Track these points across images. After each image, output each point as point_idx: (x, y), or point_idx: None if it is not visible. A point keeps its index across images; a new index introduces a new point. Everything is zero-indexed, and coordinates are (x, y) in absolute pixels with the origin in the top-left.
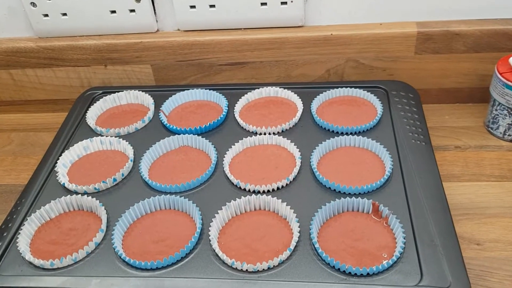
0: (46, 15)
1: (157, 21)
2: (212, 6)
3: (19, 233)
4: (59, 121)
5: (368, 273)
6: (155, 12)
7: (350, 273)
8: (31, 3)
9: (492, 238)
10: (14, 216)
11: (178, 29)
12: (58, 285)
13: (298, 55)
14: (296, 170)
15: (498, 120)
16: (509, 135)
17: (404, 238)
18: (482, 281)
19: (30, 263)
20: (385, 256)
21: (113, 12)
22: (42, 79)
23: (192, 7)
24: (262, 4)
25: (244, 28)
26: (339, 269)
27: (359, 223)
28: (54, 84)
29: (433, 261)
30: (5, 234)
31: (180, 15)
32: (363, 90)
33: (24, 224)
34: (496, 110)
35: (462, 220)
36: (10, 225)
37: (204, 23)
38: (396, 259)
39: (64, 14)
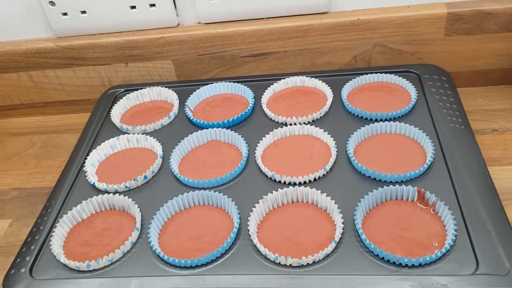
0: (65, 14)
1: (177, 15)
2: None
3: (52, 235)
4: (81, 122)
5: (420, 264)
6: (175, 6)
7: (401, 264)
8: (49, 2)
9: None
10: (45, 219)
11: (199, 22)
12: (96, 287)
13: (324, 43)
14: (332, 160)
15: None
16: None
17: (455, 225)
18: None
19: (65, 265)
20: (436, 245)
21: (133, 7)
22: (63, 80)
23: None
24: None
25: (267, 18)
26: (388, 260)
27: (405, 211)
28: (75, 85)
29: (488, 248)
30: (37, 237)
31: (201, 8)
32: (394, 75)
33: (56, 226)
34: None
35: (508, 205)
36: (41, 227)
37: (225, 14)
38: (449, 247)
39: (83, 12)
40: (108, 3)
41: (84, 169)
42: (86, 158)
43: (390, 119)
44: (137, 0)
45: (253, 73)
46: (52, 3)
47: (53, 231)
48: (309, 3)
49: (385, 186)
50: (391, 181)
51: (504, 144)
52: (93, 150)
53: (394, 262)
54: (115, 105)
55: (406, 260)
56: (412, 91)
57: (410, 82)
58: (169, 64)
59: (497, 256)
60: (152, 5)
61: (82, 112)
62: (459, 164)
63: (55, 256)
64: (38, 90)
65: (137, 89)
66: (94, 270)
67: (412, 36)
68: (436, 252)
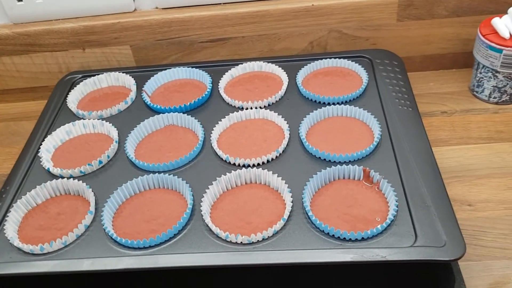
0: (20, 0)
1: (134, 0)
2: None
3: (6, 220)
4: (40, 109)
5: (362, 238)
6: None
7: (345, 238)
8: None
9: (483, 198)
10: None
11: (156, 7)
12: (49, 269)
13: (280, 28)
14: (285, 142)
15: (483, 83)
16: (494, 98)
17: (396, 201)
18: (476, 240)
19: (19, 249)
20: (379, 220)
21: None
22: (19, 67)
23: None
24: None
25: (224, 3)
26: (333, 235)
27: (351, 190)
28: (32, 71)
29: (426, 222)
30: None
31: None
32: (348, 60)
33: (10, 211)
34: (480, 73)
35: (452, 183)
36: None
37: None
38: (390, 222)
39: None
40: None
41: (39, 154)
42: (41, 144)
43: (342, 103)
44: None
45: (212, 59)
46: None
47: (7, 216)
48: None
49: (333, 166)
50: (339, 161)
51: (451, 125)
52: (49, 136)
53: (338, 237)
54: (72, 91)
55: (349, 234)
56: (364, 75)
57: (362, 67)
58: (127, 50)
59: (434, 230)
60: None
61: (41, 99)
62: (404, 144)
63: (9, 240)
64: None
65: (94, 75)
66: (48, 253)
67: (366, 21)
68: (377, 226)
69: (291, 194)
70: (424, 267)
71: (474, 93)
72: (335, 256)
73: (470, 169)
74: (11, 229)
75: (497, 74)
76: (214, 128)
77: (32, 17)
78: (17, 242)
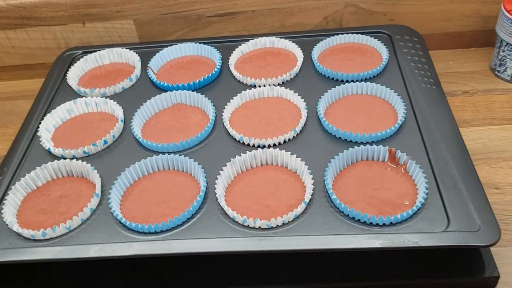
0: None
1: None
2: None
3: (4, 203)
4: (36, 87)
5: (391, 222)
6: None
7: (372, 223)
8: None
9: (511, 181)
10: None
11: None
12: (53, 256)
13: (293, 2)
14: (302, 121)
15: (506, 62)
16: None
17: (426, 184)
18: (506, 225)
19: (19, 234)
20: (407, 203)
21: None
22: (15, 42)
23: None
24: None
25: None
26: (359, 220)
27: (376, 171)
28: (28, 47)
29: (459, 206)
30: None
31: None
32: (366, 35)
33: (8, 194)
34: (503, 51)
35: (479, 165)
36: None
37: None
38: (420, 206)
39: None
40: None
41: (38, 134)
42: (40, 123)
43: (361, 80)
44: None
45: (219, 35)
46: None
47: (5, 199)
48: None
49: (355, 147)
50: (362, 142)
51: (474, 105)
52: (48, 115)
53: (365, 222)
54: (72, 67)
55: (377, 219)
56: (384, 52)
57: (381, 43)
58: (130, 24)
59: (468, 213)
60: None
61: (37, 77)
62: (430, 123)
63: (7, 225)
64: None
65: (95, 51)
66: (51, 238)
67: None
68: (407, 210)
69: (311, 176)
70: (454, 253)
71: (496, 72)
72: (363, 242)
73: (495, 150)
74: (9, 213)
75: None
76: (225, 107)
77: None
78: (16, 227)
